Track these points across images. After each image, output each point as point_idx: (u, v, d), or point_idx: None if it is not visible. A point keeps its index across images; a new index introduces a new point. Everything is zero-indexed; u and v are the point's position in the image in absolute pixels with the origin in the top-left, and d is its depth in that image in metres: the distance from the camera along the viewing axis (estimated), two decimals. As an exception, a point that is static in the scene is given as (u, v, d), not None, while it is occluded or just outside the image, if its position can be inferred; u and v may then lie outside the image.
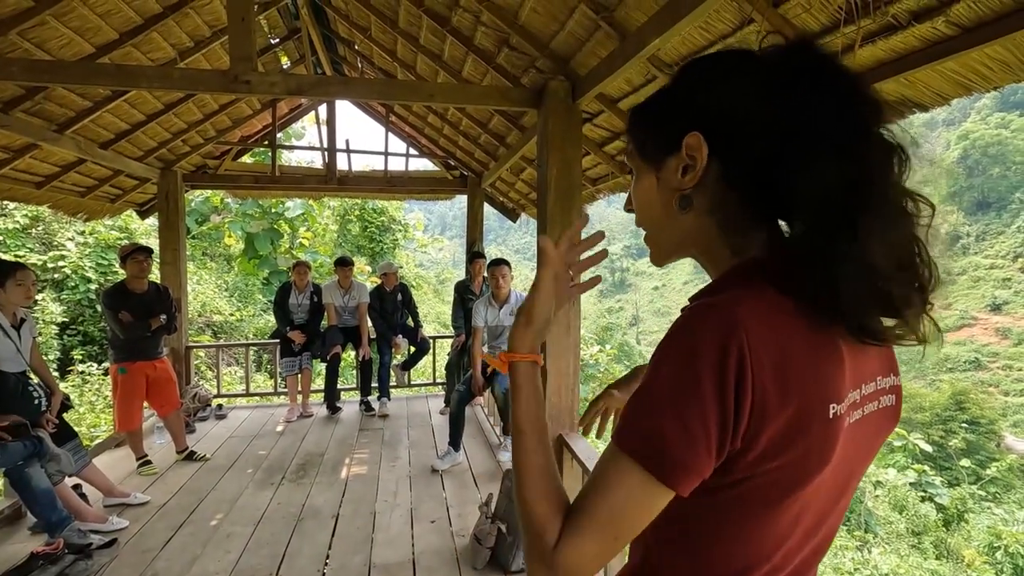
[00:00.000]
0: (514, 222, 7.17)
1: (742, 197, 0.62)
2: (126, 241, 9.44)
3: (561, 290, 0.77)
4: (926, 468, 12.75)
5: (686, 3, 1.85)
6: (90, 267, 9.52)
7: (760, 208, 0.62)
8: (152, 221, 8.22)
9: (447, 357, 5.67)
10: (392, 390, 5.71)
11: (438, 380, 6.45)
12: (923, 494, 12.24)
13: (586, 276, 0.84)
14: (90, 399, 7.93)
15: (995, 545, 10.47)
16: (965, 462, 15.49)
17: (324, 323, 5.41)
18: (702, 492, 0.56)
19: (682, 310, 0.59)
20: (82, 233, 9.95)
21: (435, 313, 17.55)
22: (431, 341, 6.03)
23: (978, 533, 11.51)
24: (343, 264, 5.34)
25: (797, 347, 0.54)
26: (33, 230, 9.65)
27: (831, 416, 0.55)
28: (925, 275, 0.58)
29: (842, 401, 0.56)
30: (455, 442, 4.08)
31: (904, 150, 0.57)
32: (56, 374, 6.97)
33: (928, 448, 14.11)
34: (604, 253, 0.81)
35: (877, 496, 13.67)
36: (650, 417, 0.54)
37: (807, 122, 0.56)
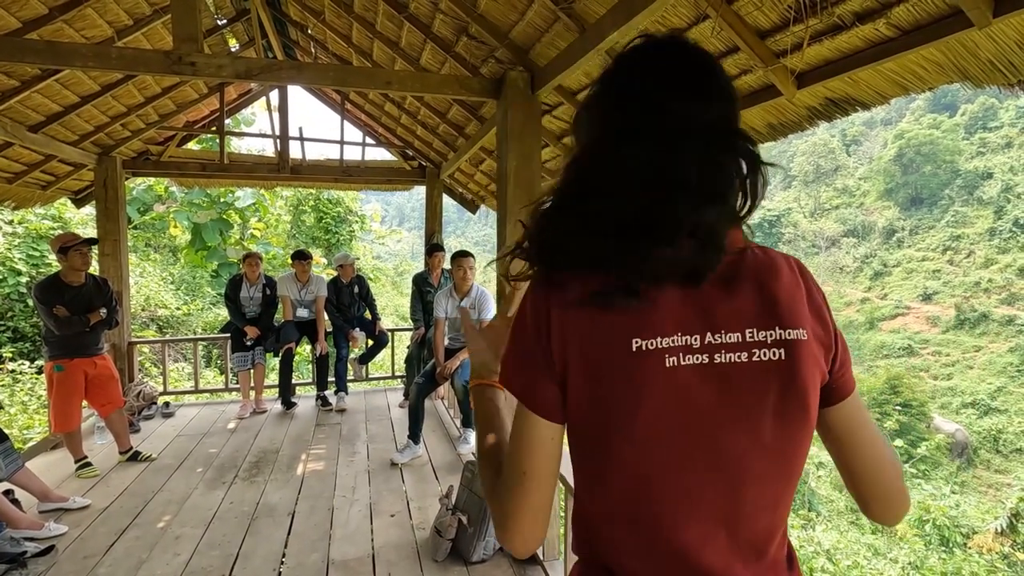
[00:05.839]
0: (473, 213, 7.14)
1: None
2: (60, 231, 8.88)
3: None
4: (864, 449, 13.48)
5: (643, -3, 1.87)
6: (20, 259, 8.88)
7: None
8: (89, 210, 7.78)
9: (406, 350, 5.60)
10: (350, 384, 5.61)
11: (397, 373, 6.37)
12: (861, 474, 12.94)
13: None
14: (22, 399, 7.43)
15: (924, 519, 11.22)
16: (899, 442, 16.50)
17: (279, 317, 5.26)
18: (568, 432, 0.69)
19: None
20: (11, 222, 9.27)
21: (393, 306, 17.32)
22: (389, 334, 5.95)
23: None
24: (301, 257, 5.17)
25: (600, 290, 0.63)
26: (-47, 219, 8.94)
27: (634, 349, 0.61)
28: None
29: (651, 338, 0.62)
30: (415, 435, 4.04)
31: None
32: (-17, 373, 6.51)
33: (866, 430, 14.87)
34: None
35: (820, 477, 14.42)
36: (506, 359, 0.72)
37: None
